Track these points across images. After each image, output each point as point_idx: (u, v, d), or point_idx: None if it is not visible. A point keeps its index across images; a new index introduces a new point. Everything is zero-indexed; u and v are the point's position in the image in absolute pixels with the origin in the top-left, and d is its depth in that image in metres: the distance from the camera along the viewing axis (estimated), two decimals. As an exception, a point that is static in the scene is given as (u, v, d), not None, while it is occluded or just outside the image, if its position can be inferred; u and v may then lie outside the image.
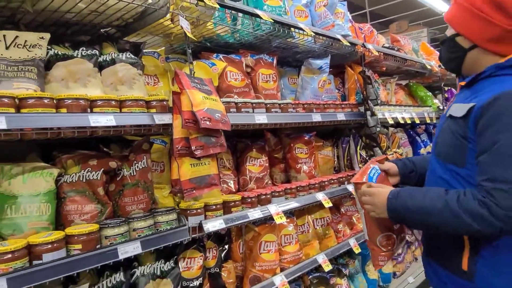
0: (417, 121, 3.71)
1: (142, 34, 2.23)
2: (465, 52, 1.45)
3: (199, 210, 1.89)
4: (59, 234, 1.44)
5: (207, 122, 1.68)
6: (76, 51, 1.77)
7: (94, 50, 1.82)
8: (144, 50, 2.12)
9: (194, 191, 1.76)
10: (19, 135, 1.36)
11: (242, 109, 2.17)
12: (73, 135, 1.51)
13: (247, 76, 2.47)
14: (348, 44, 2.82)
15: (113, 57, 1.87)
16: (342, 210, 3.09)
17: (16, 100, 1.38)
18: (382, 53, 3.33)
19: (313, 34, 2.49)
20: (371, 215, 1.57)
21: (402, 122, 3.39)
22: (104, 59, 1.86)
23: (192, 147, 1.70)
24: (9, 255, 1.29)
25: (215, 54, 2.41)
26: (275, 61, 2.64)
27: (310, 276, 2.65)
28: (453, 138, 1.40)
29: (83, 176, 1.67)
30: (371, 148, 2.98)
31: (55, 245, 1.40)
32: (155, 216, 1.77)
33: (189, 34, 1.83)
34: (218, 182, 1.87)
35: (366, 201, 1.56)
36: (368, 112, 2.96)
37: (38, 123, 1.36)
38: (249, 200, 2.18)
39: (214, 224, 1.88)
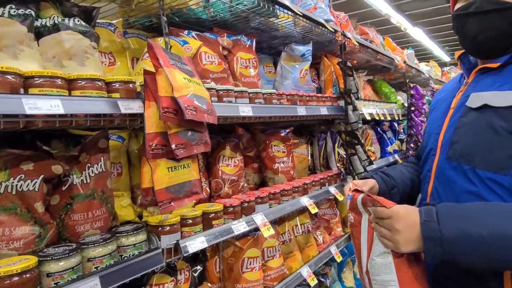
0: (388, 118, 3.57)
1: (94, -1, 1.74)
2: None
3: (175, 226, 1.47)
4: (-27, 278, 0.95)
5: (194, 113, 1.26)
6: (2, 9, 1.25)
7: (29, 10, 1.31)
8: (96, 21, 1.64)
9: (172, 203, 1.33)
10: None
11: (224, 98, 1.77)
12: (-2, 128, 1.02)
13: (224, 60, 2.07)
14: (332, 29, 2.53)
15: (56, 21, 1.37)
16: (319, 213, 2.81)
17: None
18: (358, 44, 3.10)
19: (301, 13, 2.15)
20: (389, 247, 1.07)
21: (377, 118, 3.20)
22: (43, 23, 1.36)
23: (172, 145, 1.26)
24: None
25: (186, 30, 1.97)
26: (254, 44, 2.26)
27: (291, 291, 2.34)
28: (490, 134, 1.10)
29: (12, 186, 1.16)
30: (353, 146, 2.73)
31: (-34, 296, 0.91)
32: (118, 238, 1.31)
33: (164, -4, 1.39)
34: (200, 190, 1.46)
35: (381, 230, 1.10)
36: (350, 107, 2.70)
37: None
38: (231, 209, 1.79)
39: (194, 244, 1.47)
